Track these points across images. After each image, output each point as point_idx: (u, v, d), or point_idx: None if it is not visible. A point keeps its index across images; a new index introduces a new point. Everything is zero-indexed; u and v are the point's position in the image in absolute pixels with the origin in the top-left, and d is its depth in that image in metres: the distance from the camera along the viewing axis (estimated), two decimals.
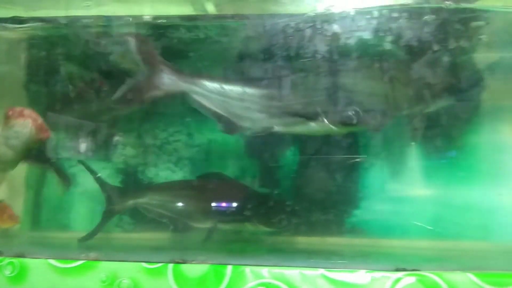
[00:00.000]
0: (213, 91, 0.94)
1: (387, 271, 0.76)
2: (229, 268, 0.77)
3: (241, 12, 1.02)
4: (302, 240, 1.09)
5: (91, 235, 1.05)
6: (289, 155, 1.17)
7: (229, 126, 0.96)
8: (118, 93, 0.95)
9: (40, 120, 1.01)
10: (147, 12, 1.01)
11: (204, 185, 1.15)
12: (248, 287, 0.75)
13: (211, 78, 0.96)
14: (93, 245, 1.04)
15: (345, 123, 0.93)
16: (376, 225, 1.09)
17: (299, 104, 0.95)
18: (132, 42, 0.95)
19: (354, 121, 0.92)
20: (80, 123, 1.14)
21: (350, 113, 0.92)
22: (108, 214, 1.08)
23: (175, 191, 1.15)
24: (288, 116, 0.95)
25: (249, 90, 0.96)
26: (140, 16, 1.02)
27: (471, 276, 0.73)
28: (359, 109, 0.92)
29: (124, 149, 1.19)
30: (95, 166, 1.12)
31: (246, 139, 1.15)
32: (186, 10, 1.03)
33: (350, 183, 1.13)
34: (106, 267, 0.78)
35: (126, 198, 1.10)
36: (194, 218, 1.11)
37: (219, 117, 0.95)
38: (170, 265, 0.78)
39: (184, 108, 1.15)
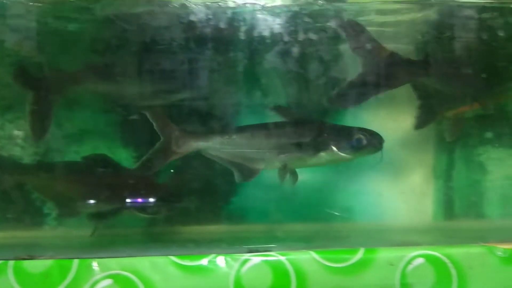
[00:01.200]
0: (224, 143, 0.99)
1: (239, 253, 0.78)
2: (76, 262, 0.74)
3: None
4: (181, 230, 1.09)
5: None
6: None
7: (245, 173, 0.99)
8: (139, 164, 1.01)
9: None
10: None
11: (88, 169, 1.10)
12: (95, 280, 0.74)
13: (221, 131, 1.01)
14: None
15: (355, 149, 0.95)
16: (252, 211, 1.12)
17: (308, 137, 0.97)
18: None
19: (364, 145, 0.94)
20: None
21: (358, 138, 0.94)
22: None
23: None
24: (298, 151, 0.97)
25: (256, 133, 1.00)
26: None
27: (313, 254, 0.77)
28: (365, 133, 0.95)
29: None
30: None
31: (122, 128, 1.13)
32: None
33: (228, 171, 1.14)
34: None
35: None
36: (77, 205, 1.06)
37: (235, 167, 0.99)
38: (11, 262, 0.73)
39: None
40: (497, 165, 1.16)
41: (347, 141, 0.94)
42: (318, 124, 0.99)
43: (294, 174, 1.00)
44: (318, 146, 0.96)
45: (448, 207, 1.15)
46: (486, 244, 0.82)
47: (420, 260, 0.79)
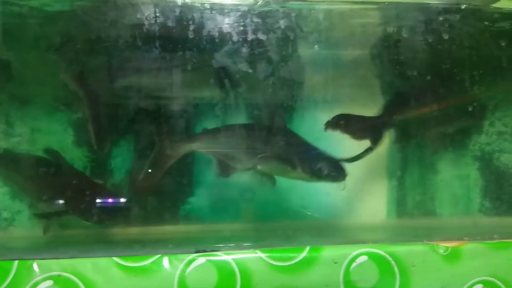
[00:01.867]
0: (212, 142, 1.04)
1: (185, 254, 0.77)
2: (15, 264, 0.72)
3: None
4: (126, 231, 1.07)
5: None
6: (124, 145, 1.14)
7: (224, 168, 1.02)
8: (142, 175, 1.03)
9: None
10: None
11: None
12: (35, 282, 0.72)
13: (209, 131, 1.05)
14: None
15: (316, 175, 0.99)
16: (207, 211, 1.11)
17: (283, 152, 1.01)
18: None
19: (324, 175, 0.99)
20: None
21: (320, 167, 0.99)
22: None
23: None
24: (270, 160, 1.01)
25: (238, 133, 1.04)
26: None
27: (259, 253, 0.78)
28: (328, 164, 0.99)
29: None
30: None
31: (76, 128, 1.11)
32: None
33: (184, 172, 1.13)
34: None
35: None
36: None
37: (217, 162, 1.03)
38: None
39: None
40: (448, 164, 1.19)
41: (313, 166, 0.98)
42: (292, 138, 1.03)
43: (271, 178, 1.04)
44: (286, 161, 1.00)
45: (400, 205, 1.18)
46: (429, 242, 0.84)
47: (364, 258, 0.80)
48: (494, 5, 1.00)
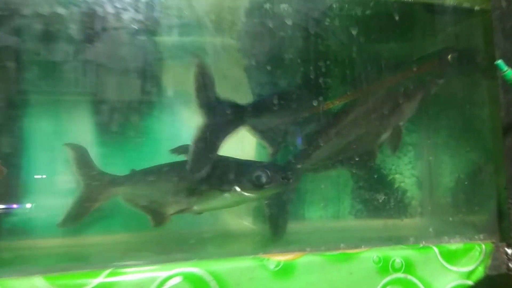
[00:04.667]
0: (138, 187, 0.92)
1: None
2: None
3: None
4: None
5: None
6: None
7: (157, 217, 0.90)
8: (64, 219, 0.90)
9: None
10: None
11: None
12: None
13: (137, 173, 0.93)
14: None
15: (257, 186, 0.86)
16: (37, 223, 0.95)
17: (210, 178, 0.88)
18: None
19: (265, 182, 0.86)
20: None
21: (258, 175, 0.85)
22: None
23: None
24: (203, 192, 0.88)
25: (164, 174, 0.92)
26: None
27: (40, 280, 0.63)
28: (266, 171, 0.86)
29: None
30: None
31: None
32: None
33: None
34: None
35: None
36: None
37: (148, 211, 0.91)
38: None
39: None
40: None
41: (248, 179, 0.86)
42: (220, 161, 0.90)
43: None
44: (221, 187, 0.87)
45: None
46: (260, 256, 0.73)
47: (177, 280, 0.67)
48: None
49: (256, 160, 1.03)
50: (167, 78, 1.03)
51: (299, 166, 1.01)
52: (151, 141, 1.03)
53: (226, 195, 0.87)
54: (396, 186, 1.11)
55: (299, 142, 1.05)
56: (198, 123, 0.87)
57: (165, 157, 0.94)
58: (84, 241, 0.90)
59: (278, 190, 0.91)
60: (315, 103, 0.98)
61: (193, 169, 0.85)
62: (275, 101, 0.96)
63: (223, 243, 0.90)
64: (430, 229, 0.88)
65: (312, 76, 0.97)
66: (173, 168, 0.92)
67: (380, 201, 1.01)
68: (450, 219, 0.99)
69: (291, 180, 0.88)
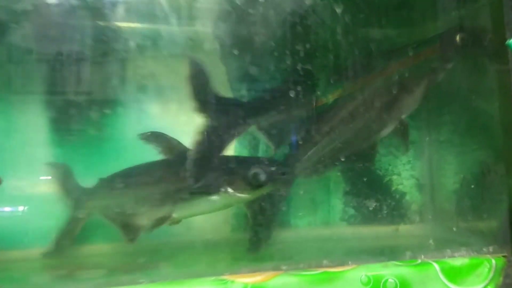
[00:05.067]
0: (107, 197, 0.81)
1: None
2: None
3: None
4: None
5: None
6: None
7: (130, 232, 0.77)
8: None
9: None
10: None
11: None
12: None
13: (105, 180, 0.81)
14: None
15: (253, 185, 0.74)
16: None
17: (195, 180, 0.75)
18: None
19: (262, 180, 0.74)
20: None
21: (256, 172, 0.73)
22: None
23: None
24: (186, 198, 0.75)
25: (136, 178, 0.80)
26: None
27: None
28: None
29: None
30: None
31: None
32: None
33: None
34: None
35: None
36: None
37: (120, 226, 0.78)
38: None
39: None
40: None
41: (243, 177, 0.73)
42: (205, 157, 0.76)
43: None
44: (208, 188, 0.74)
45: None
46: (223, 277, 0.61)
47: None
48: None
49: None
50: (133, 71, 0.92)
51: (297, 161, 0.88)
52: (114, 141, 0.92)
53: (214, 197, 0.74)
54: (393, 189, 0.99)
55: (296, 137, 0.93)
56: (198, 126, 0.76)
57: (129, 158, 0.84)
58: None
59: (276, 189, 0.79)
60: (314, 96, 0.89)
61: (197, 177, 0.74)
62: (281, 97, 0.86)
63: (182, 260, 0.78)
64: (431, 241, 0.75)
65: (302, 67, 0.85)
66: (148, 170, 0.80)
67: (373, 206, 0.89)
68: (454, 228, 0.86)
69: (291, 177, 0.77)
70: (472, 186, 0.90)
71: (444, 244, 0.75)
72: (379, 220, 0.89)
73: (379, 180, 0.99)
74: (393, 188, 0.99)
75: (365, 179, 0.95)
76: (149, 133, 0.78)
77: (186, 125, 0.91)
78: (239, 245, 0.85)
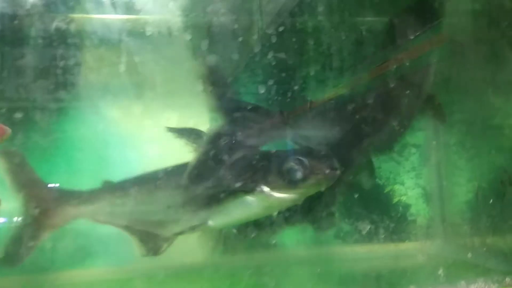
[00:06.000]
0: (118, 204, 0.69)
1: None
2: None
3: None
4: None
5: None
6: None
7: (151, 243, 0.68)
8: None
9: None
10: None
11: None
12: None
13: (112, 188, 0.69)
14: None
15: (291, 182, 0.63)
16: None
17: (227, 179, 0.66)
18: None
19: (302, 176, 0.62)
20: None
21: (290, 166, 0.62)
22: None
23: None
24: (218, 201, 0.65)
25: (161, 183, 0.69)
26: None
27: None
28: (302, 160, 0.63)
29: None
30: None
31: None
32: None
33: None
34: None
35: None
36: None
37: (136, 235, 0.68)
38: None
39: None
40: None
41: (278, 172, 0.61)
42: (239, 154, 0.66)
43: None
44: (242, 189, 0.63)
45: None
46: None
47: None
48: None
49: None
50: (88, 67, 0.80)
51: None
52: (66, 148, 0.80)
53: (249, 199, 0.63)
54: (395, 200, 0.85)
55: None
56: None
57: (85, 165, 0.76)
58: None
59: (323, 187, 0.64)
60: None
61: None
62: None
63: None
64: (440, 271, 0.61)
65: None
66: (172, 174, 0.69)
67: (371, 223, 0.75)
68: (469, 254, 0.71)
69: (339, 172, 0.61)
70: (489, 197, 0.77)
71: (456, 271, 0.61)
72: (380, 238, 0.76)
73: (379, 191, 0.86)
74: (395, 200, 0.86)
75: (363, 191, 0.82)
76: (184, 129, 0.69)
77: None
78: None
